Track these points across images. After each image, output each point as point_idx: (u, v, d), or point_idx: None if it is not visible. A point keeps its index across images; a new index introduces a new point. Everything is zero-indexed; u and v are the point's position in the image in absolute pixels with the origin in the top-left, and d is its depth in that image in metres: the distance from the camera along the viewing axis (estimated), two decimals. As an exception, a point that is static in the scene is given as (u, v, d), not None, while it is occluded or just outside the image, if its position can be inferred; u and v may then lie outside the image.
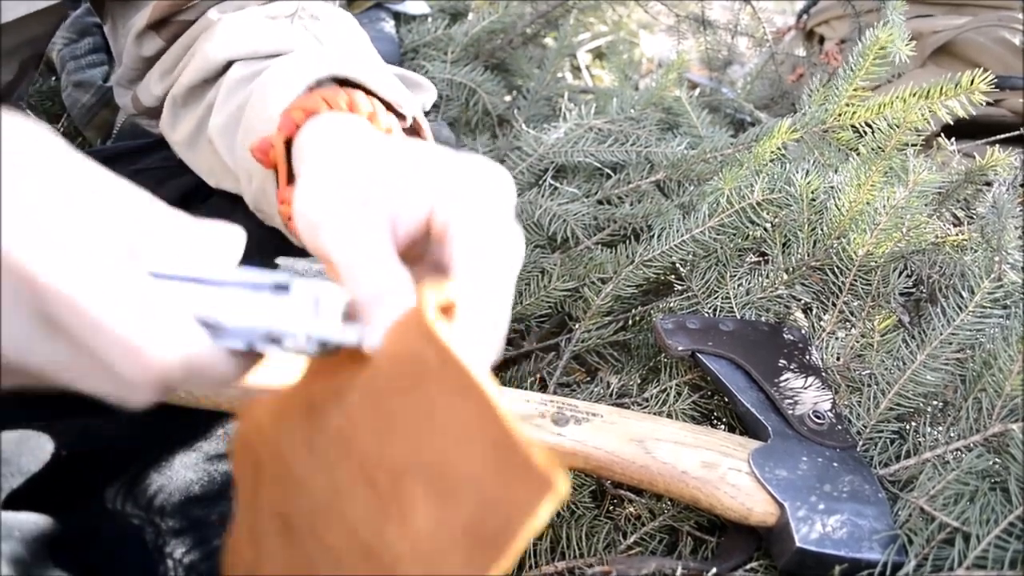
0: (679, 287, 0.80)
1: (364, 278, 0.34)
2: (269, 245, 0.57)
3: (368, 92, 0.51)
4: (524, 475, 0.26)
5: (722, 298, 0.76)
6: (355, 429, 0.31)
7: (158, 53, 0.58)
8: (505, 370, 0.80)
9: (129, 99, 0.63)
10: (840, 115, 0.80)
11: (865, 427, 0.65)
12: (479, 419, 0.28)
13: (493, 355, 0.35)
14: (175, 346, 0.28)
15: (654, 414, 0.66)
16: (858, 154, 0.78)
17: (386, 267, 0.34)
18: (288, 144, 0.48)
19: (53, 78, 1.19)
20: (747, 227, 0.76)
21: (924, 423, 0.64)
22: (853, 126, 0.79)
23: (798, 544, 0.54)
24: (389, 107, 0.51)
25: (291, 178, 0.49)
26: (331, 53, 0.53)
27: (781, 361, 0.67)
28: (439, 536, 0.28)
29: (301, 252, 0.60)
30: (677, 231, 0.77)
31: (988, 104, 0.79)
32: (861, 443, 0.64)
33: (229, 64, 0.55)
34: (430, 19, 1.30)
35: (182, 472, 0.54)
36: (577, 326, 0.78)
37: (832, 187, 0.79)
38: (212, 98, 0.56)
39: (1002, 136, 1.09)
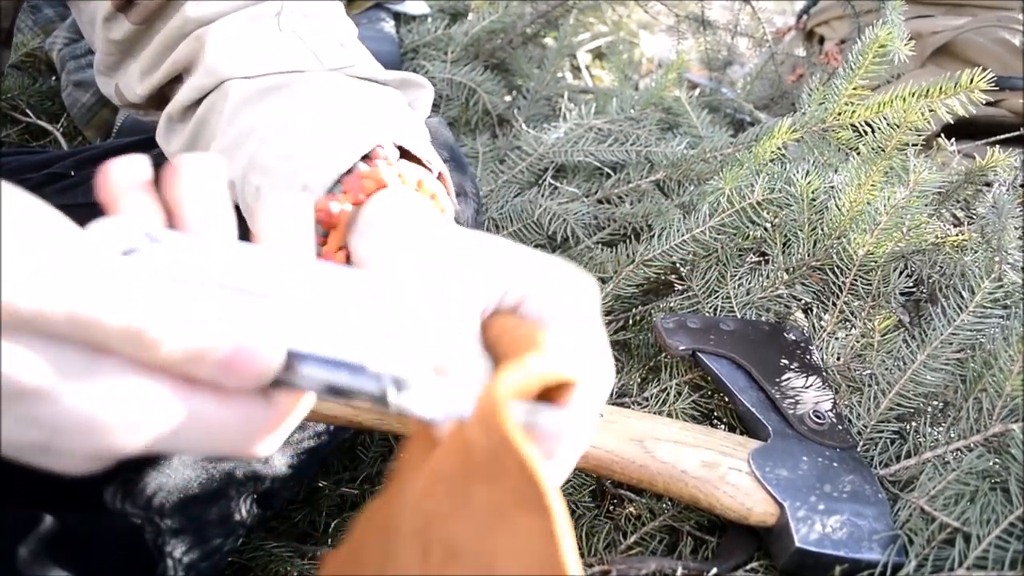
0: (679, 287, 0.80)
1: (452, 368, 0.34)
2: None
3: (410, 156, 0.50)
4: None
5: (722, 298, 0.76)
6: (434, 492, 0.31)
7: (128, 36, 0.57)
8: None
9: (112, 89, 0.62)
10: (840, 114, 0.80)
11: (865, 427, 0.65)
12: (539, 535, 0.28)
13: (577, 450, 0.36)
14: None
15: (654, 414, 0.66)
16: (858, 154, 0.78)
17: (470, 366, 0.35)
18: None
19: (53, 78, 1.19)
20: (747, 227, 0.76)
21: (924, 423, 0.64)
22: (853, 126, 0.79)
23: (798, 544, 0.54)
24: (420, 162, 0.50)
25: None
26: (366, 109, 0.52)
27: (782, 361, 0.67)
28: None
29: None
30: (677, 231, 0.77)
31: (988, 104, 0.79)
32: (861, 443, 0.64)
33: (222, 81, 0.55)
34: (430, 19, 1.30)
35: (181, 471, 0.54)
36: (577, 326, 0.77)
37: (832, 187, 0.78)
38: (202, 115, 0.54)
39: (1002, 136, 1.09)
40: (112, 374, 0.26)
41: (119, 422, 0.26)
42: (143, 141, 0.71)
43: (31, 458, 0.27)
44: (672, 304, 0.77)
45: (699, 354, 0.67)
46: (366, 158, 0.48)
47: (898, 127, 0.74)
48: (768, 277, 0.77)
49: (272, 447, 0.30)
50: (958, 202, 0.91)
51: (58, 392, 0.25)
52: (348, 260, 0.45)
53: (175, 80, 0.57)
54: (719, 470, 0.57)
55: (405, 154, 0.50)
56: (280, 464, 0.60)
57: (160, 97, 0.59)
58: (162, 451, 0.28)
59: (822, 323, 0.74)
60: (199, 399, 0.28)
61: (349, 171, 0.47)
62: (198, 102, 0.55)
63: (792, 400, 0.64)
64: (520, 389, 0.31)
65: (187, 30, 0.55)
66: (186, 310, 0.27)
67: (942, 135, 0.99)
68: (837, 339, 0.72)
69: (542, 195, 0.94)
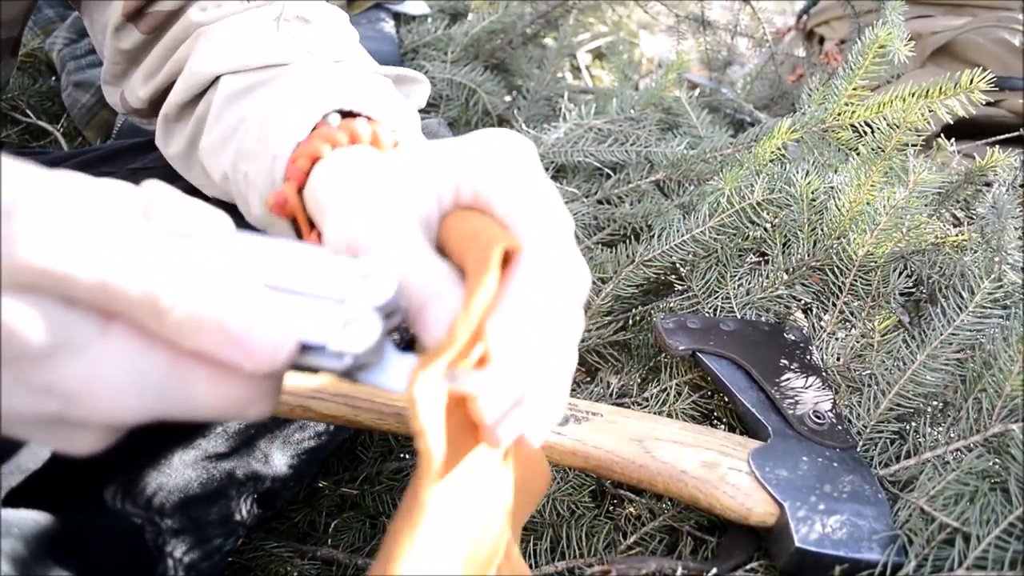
0: (679, 287, 0.80)
1: (410, 287, 0.34)
2: None
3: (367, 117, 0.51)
4: None
5: (722, 298, 0.76)
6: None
7: (137, 46, 0.58)
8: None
9: (117, 97, 0.62)
10: (840, 115, 0.80)
11: (865, 427, 0.65)
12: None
13: (575, 294, 0.35)
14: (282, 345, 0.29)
15: (654, 414, 0.66)
16: (858, 154, 0.78)
17: (425, 275, 0.34)
18: (299, 191, 0.48)
19: (53, 78, 1.19)
20: (747, 227, 0.76)
21: (924, 423, 0.64)
22: (853, 126, 0.79)
23: (797, 544, 0.54)
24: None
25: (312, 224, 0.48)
26: (328, 81, 0.52)
27: (782, 361, 0.67)
28: None
29: None
30: (677, 231, 0.77)
31: (988, 104, 0.79)
32: (861, 443, 0.64)
33: (216, 78, 0.55)
34: (430, 19, 1.30)
35: (181, 471, 0.54)
36: (577, 326, 0.77)
37: (832, 187, 0.79)
38: (202, 113, 0.55)
39: (1002, 136, 1.09)
40: (122, 341, 0.27)
41: (130, 388, 0.27)
42: (143, 143, 0.71)
43: (44, 435, 0.28)
44: (672, 304, 0.78)
45: (699, 354, 0.67)
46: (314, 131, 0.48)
47: (898, 127, 0.74)
48: (768, 277, 0.77)
49: (263, 413, 0.31)
50: (958, 202, 0.91)
51: (75, 356, 0.26)
52: (321, 239, 0.46)
53: (173, 82, 0.58)
54: (719, 470, 0.57)
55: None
56: (280, 464, 0.60)
57: (160, 103, 0.60)
58: (165, 418, 0.29)
59: (822, 323, 0.74)
60: (196, 372, 0.29)
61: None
62: (194, 101, 0.56)
63: (792, 400, 0.64)
64: (451, 356, 0.32)
65: (190, 33, 0.56)
66: (205, 284, 0.28)
67: (942, 135, 0.99)
68: (837, 339, 0.72)
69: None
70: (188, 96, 0.55)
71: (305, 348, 0.30)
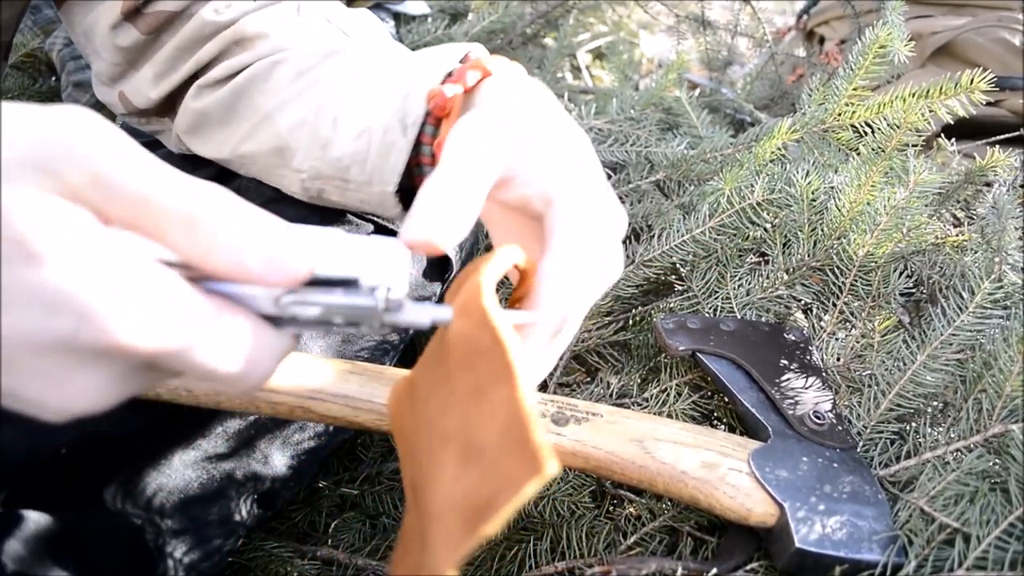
0: (679, 287, 0.80)
1: (444, 195, 0.35)
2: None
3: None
4: (521, 452, 0.28)
5: (722, 298, 0.76)
6: (429, 398, 0.34)
7: (136, 45, 0.58)
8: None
9: (115, 97, 0.62)
10: (840, 115, 0.80)
11: (865, 428, 0.65)
12: (506, 398, 0.30)
13: (611, 233, 0.39)
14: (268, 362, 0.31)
15: (654, 414, 0.66)
16: (858, 154, 0.78)
17: (465, 199, 0.36)
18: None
19: (53, 78, 1.19)
20: (747, 227, 0.76)
21: (924, 424, 0.64)
22: (853, 126, 0.79)
23: (797, 545, 0.54)
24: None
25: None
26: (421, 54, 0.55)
27: (782, 361, 0.67)
28: (448, 496, 0.30)
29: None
30: (677, 231, 0.77)
31: (988, 104, 0.79)
32: (861, 444, 0.64)
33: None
34: (430, 19, 1.30)
35: (181, 471, 0.54)
36: (577, 326, 0.77)
37: (832, 187, 0.78)
38: (243, 83, 0.56)
39: (1002, 136, 1.09)
40: (146, 265, 0.27)
41: (147, 311, 0.27)
42: (143, 143, 0.71)
43: (44, 378, 0.27)
44: (672, 304, 0.77)
45: (699, 354, 0.67)
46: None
47: (898, 128, 0.74)
48: (768, 277, 0.77)
49: (264, 378, 0.31)
50: (958, 202, 0.91)
51: (96, 263, 0.26)
52: None
53: (188, 81, 0.58)
54: (719, 471, 0.57)
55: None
56: (280, 464, 0.60)
57: (170, 102, 0.60)
58: (173, 360, 0.28)
59: (822, 323, 0.74)
60: (222, 311, 0.29)
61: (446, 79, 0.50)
62: (232, 76, 0.57)
63: (792, 400, 0.64)
64: (496, 275, 0.35)
65: (206, 32, 0.56)
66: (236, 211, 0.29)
67: (942, 135, 0.99)
68: (837, 339, 0.72)
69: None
70: (231, 72, 0.57)
71: (334, 288, 0.31)
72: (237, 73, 0.57)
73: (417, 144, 0.50)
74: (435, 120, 0.49)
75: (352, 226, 0.61)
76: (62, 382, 0.27)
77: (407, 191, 0.53)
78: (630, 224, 0.93)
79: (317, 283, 0.31)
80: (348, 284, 0.31)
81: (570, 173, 0.40)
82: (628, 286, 0.77)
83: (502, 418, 0.29)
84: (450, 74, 0.50)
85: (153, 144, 0.69)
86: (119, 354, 0.27)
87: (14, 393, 0.27)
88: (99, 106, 1.08)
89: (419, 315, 0.32)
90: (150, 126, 0.63)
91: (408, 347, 0.71)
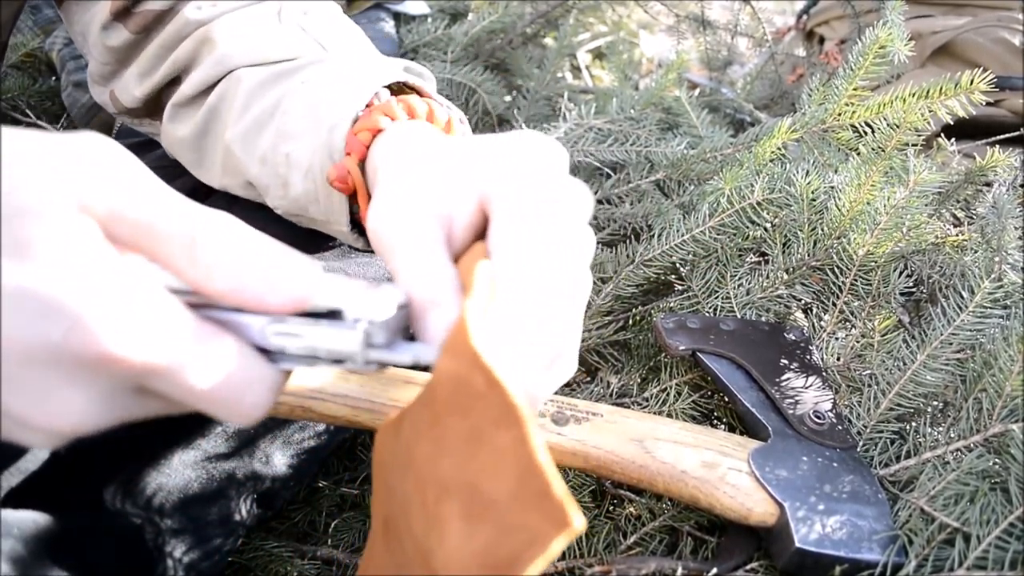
0: (679, 287, 0.80)
1: (414, 287, 0.34)
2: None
3: (418, 92, 0.52)
4: (542, 506, 0.27)
5: (722, 298, 0.76)
6: (417, 442, 0.33)
7: (126, 45, 0.58)
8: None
9: (108, 97, 0.63)
10: (840, 115, 0.80)
11: (865, 427, 0.65)
12: (513, 446, 0.28)
13: (551, 337, 0.34)
14: (264, 393, 0.31)
15: (654, 414, 0.66)
16: (858, 154, 0.78)
17: (430, 276, 0.35)
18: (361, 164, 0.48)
19: (53, 78, 1.19)
20: (747, 227, 0.76)
21: (924, 423, 0.64)
22: (853, 126, 0.79)
23: (797, 544, 0.54)
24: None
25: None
26: (372, 61, 0.54)
27: (782, 361, 0.67)
28: (462, 555, 0.29)
29: (318, 249, 0.60)
30: (677, 231, 0.77)
31: (988, 104, 0.79)
32: (861, 443, 0.64)
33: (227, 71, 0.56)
34: (430, 19, 1.30)
35: (181, 471, 0.54)
36: (577, 326, 0.77)
37: (832, 187, 0.78)
38: (214, 103, 0.55)
39: (1002, 136, 1.09)
40: (141, 281, 0.27)
41: (137, 324, 0.27)
42: (143, 143, 0.71)
43: (31, 390, 0.26)
44: (672, 304, 0.77)
45: (699, 354, 0.67)
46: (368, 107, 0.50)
47: (898, 127, 0.74)
48: (768, 277, 0.77)
49: (256, 407, 0.31)
50: (958, 202, 0.91)
51: (89, 271, 0.26)
52: None
53: (172, 83, 0.58)
54: (719, 470, 0.57)
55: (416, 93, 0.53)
56: (280, 464, 0.60)
57: (155, 102, 0.60)
58: (161, 379, 0.28)
59: (822, 323, 0.74)
60: (215, 336, 0.29)
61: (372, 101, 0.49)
62: (206, 92, 0.56)
63: (792, 400, 0.64)
64: (480, 306, 0.32)
65: (186, 32, 0.56)
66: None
67: (942, 135, 0.99)
68: (837, 339, 0.72)
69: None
70: (201, 88, 0.56)
71: (318, 321, 0.31)
72: (207, 90, 0.56)
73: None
74: (342, 191, 0.48)
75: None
76: (47, 396, 0.26)
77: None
78: (630, 224, 0.93)
79: (305, 315, 0.31)
80: (333, 316, 0.31)
81: (496, 182, 0.36)
82: (628, 286, 0.77)
83: (512, 468, 0.28)
84: (377, 97, 0.50)
85: (150, 143, 0.69)
86: (106, 367, 0.26)
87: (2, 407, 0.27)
88: (98, 106, 1.08)
89: (400, 354, 0.32)
90: (143, 127, 0.63)
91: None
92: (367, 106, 0.50)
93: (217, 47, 0.56)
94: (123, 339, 0.26)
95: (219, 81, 0.56)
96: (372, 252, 0.61)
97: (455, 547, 0.29)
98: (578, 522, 0.26)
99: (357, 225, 0.53)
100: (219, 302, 0.30)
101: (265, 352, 0.31)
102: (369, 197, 0.47)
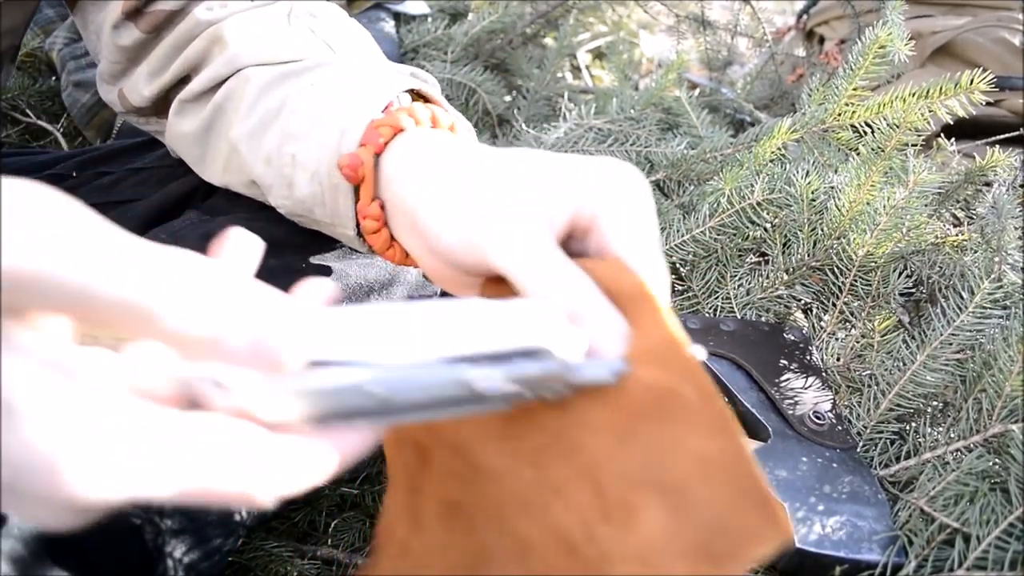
0: (679, 287, 0.80)
1: (565, 295, 0.34)
2: (286, 247, 0.57)
3: (427, 99, 0.52)
4: (760, 511, 0.30)
5: (722, 298, 0.76)
6: (590, 437, 0.33)
7: (137, 44, 0.58)
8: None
9: (116, 95, 0.63)
10: (840, 115, 0.80)
11: (865, 428, 0.65)
12: (725, 456, 0.31)
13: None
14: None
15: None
16: (858, 154, 0.78)
17: (575, 281, 0.35)
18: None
19: (53, 78, 1.19)
20: (747, 227, 0.76)
21: (924, 424, 0.64)
22: (853, 126, 0.79)
23: (797, 545, 0.54)
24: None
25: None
26: (385, 66, 0.54)
27: (782, 361, 0.67)
28: (668, 545, 0.31)
29: (320, 250, 0.60)
30: (677, 231, 0.77)
31: (988, 104, 0.79)
32: (861, 444, 0.64)
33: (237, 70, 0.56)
34: (430, 19, 1.30)
35: (182, 471, 0.54)
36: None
37: (832, 187, 0.78)
38: (220, 100, 0.56)
39: (1002, 136, 1.09)
40: (93, 393, 0.23)
41: (98, 461, 0.22)
42: (143, 143, 0.71)
43: (26, 509, 0.23)
44: (672, 304, 0.77)
45: (699, 354, 0.67)
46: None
47: (898, 127, 0.74)
48: (768, 277, 0.77)
49: (271, 501, 0.26)
50: (958, 202, 0.91)
51: (23, 412, 0.22)
52: (383, 209, 0.47)
53: (182, 81, 0.58)
54: (719, 470, 0.57)
55: (420, 99, 0.52)
56: (280, 464, 0.59)
57: (164, 100, 0.60)
58: (159, 498, 0.25)
59: (822, 323, 0.74)
60: (199, 440, 0.24)
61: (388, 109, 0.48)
62: (213, 89, 0.56)
63: (792, 401, 0.64)
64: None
65: (197, 32, 0.56)
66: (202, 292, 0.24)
67: (942, 135, 0.99)
68: (837, 339, 0.72)
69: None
70: (209, 85, 0.56)
71: (513, 359, 0.31)
72: (214, 87, 0.56)
73: None
74: (349, 181, 0.47)
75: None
76: (30, 511, 0.24)
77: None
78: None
79: (494, 358, 0.30)
80: (529, 354, 0.31)
81: (608, 199, 0.37)
82: (628, 286, 0.77)
83: (725, 475, 0.31)
84: (396, 101, 0.49)
85: (152, 143, 0.69)
86: (84, 506, 0.23)
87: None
88: (98, 105, 1.08)
89: (598, 372, 0.33)
90: (149, 126, 0.63)
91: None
92: (383, 111, 0.49)
93: (228, 46, 0.56)
94: (89, 484, 0.22)
95: (227, 79, 0.56)
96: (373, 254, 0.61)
97: (656, 537, 0.31)
98: (790, 528, 0.29)
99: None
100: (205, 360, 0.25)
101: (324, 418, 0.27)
102: (373, 194, 0.47)
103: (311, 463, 0.27)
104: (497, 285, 0.39)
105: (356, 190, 0.49)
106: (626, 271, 0.35)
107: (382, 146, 0.46)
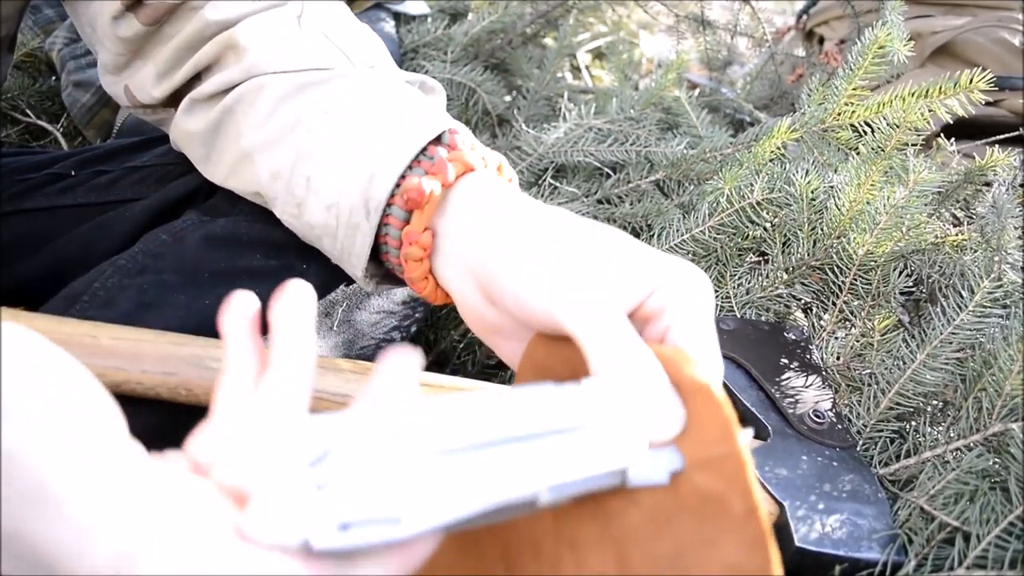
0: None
1: (634, 373, 0.35)
2: (287, 248, 0.57)
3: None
4: None
5: (722, 297, 0.76)
6: (628, 507, 0.34)
7: (137, 36, 0.58)
8: (506, 370, 0.80)
9: (121, 89, 0.62)
10: (839, 115, 0.80)
11: (865, 426, 0.65)
12: (755, 566, 0.32)
13: None
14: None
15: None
16: (858, 154, 0.78)
17: (645, 361, 0.35)
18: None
19: (53, 78, 1.19)
20: (747, 227, 0.76)
21: (924, 423, 0.64)
22: (853, 126, 0.79)
23: (797, 544, 0.54)
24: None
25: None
26: (414, 100, 0.53)
27: (782, 360, 0.67)
28: None
29: (320, 251, 0.60)
30: (677, 231, 0.77)
31: (987, 104, 0.79)
32: (861, 442, 0.64)
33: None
34: (430, 19, 1.30)
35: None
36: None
37: (832, 187, 0.79)
38: (230, 103, 0.55)
39: (1002, 136, 1.09)
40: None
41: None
42: (143, 141, 0.71)
43: None
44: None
45: (699, 354, 0.67)
46: (436, 143, 0.49)
47: (897, 127, 0.74)
48: (768, 277, 0.77)
49: None
50: (958, 202, 0.91)
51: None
52: (434, 239, 0.47)
53: (192, 80, 0.58)
54: (719, 469, 0.57)
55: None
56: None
57: (174, 97, 0.60)
58: None
59: (822, 323, 0.74)
60: None
61: (419, 159, 0.48)
62: (225, 91, 0.56)
63: (792, 399, 0.64)
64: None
65: (208, 33, 0.56)
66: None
67: (942, 135, 0.99)
68: (837, 339, 0.72)
69: (542, 195, 0.94)
70: (222, 88, 0.56)
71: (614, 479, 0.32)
72: (227, 90, 0.56)
73: (383, 220, 0.49)
74: (406, 206, 0.47)
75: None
76: None
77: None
78: (630, 224, 0.93)
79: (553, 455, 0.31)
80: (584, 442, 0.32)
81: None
82: (628, 285, 0.77)
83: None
84: (425, 151, 0.48)
85: (151, 142, 0.69)
86: None
87: None
88: (98, 105, 1.08)
89: (655, 475, 0.33)
90: (155, 116, 0.63)
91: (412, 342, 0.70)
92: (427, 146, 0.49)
93: (243, 52, 0.55)
94: None
95: (239, 84, 0.56)
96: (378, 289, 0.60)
97: None
98: None
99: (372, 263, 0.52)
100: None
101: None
102: (427, 224, 0.46)
103: None
104: (547, 342, 0.40)
105: (376, 234, 0.48)
106: (688, 361, 0.36)
107: (452, 182, 0.46)
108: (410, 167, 0.48)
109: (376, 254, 0.51)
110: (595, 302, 0.37)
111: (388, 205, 0.48)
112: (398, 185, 0.47)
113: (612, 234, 0.41)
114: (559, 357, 0.39)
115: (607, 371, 0.35)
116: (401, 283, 0.53)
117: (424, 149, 0.48)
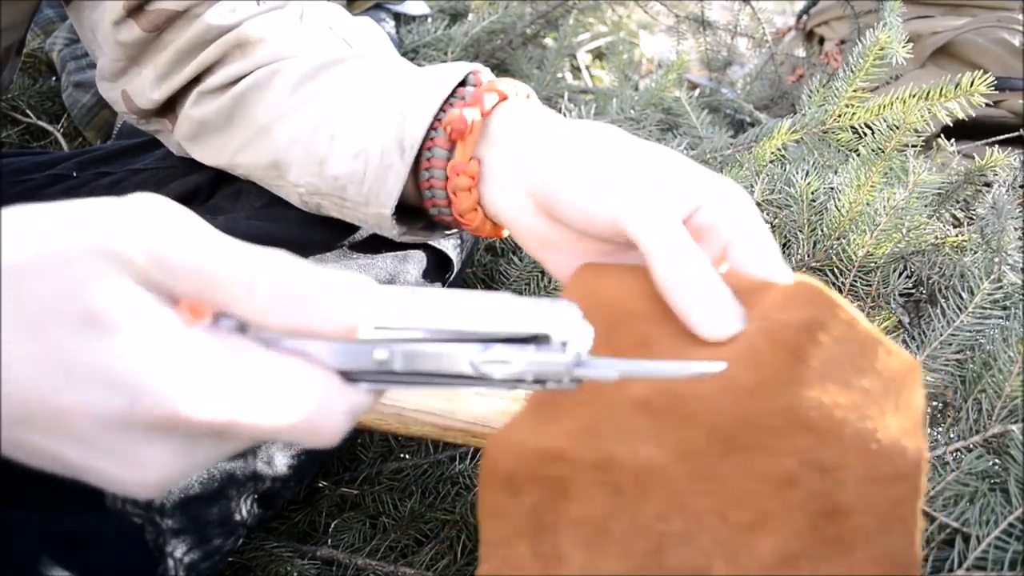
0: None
1: (691, 270, 0.37)
2: (287, 246, 0.57)
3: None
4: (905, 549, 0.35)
5: (722, 298, 0.76)
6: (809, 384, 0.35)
7: (137, 42, 0.58)
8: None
9: (118, 95, 0.62)
10: (840, 116, 0.80)
11: (865, 428, 0.65)
12: (905, 508, 0.37)
13: None
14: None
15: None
16: (858, 155, 0.78)
17: (700, 259, 0.37)
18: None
19: (53, 78, 1.19)
20: (747, 228, 0.76)
21: (924, 424, 0.64)
22: (853, 127, 0.80)
23: (798, 544, 0.54)
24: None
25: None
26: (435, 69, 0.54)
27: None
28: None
29: (320, 250, 0.60)
30: (677, 231, 0.77)
31: (987, 105, 0.79)
32: (861, 444, 0.64)
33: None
34: (430, 19, 1.30)
35: (182, 471, 0.54)
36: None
37: (832, 188, 0.79)
38: (242, 90, 0.56)
39: (1002, 137, 1.09)
40: (207, 341, 0.28)
41: (203, 382, 0.27)
42: (144, 143, 0.71)
43: (118, 451, 0.27)
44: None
45: (699, 355, 0.67)
46: (462, 86, 0.50)
47: (897, 128, 0.74)
48: (768, 278, 0.77)
49: (335, 438, 0.31)
50: (958, 203, 0.91)
51: (151, 347, 0.27)
52: (480, 167, 0.47)
53: (192, 82, 0.58)
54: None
55: None
56: (281, 464, 0.60)
57: (171, 103, 0.60)
58: (238, 429, 0.28)
59: (822, 324, 0.74)
60: (285, 374, 0.29)
61: (450, 100, 0.49)
62: (235, 82, 0.57)
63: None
64: None
65: (209, 37, 0.57)
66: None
67: (942, 136, 0.99)
68: (837, 340, 0.72)
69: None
70: (233, 79, 0.57)
71: (525, 344, 0.31)
72: (237, 80, 0.57)
73: (417, 165, 0.50)
74: (447, 142, 0.48)
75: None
76: (130, 457, 0.28)
77: (404, 211, 0.52)
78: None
79: (506, 340, 0.31)
80: (539, 340, 0.32)
81: (730, 205, 0.40)
82: (628, 286, 0.77)
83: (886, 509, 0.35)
84: (453, 95, 0.49)
85: (152, 144, 0.69)
86: (177, 427, 0.28)
87: (96, 471, 0.28)
88: (99, 105, 1.08)
89: (605, 371, 0.33)
90: (150, 126, 0.63)
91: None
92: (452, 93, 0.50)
93: (255, 46, 0.56)
94: (188, 400, 0.27)
95: (251, 72, 0.57)
96: (399, 245, 0.62)
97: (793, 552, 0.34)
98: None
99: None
100: (287, 335, 0.30)
101: (347, 375, 0.31)
102: (472, 154, 0.47)
103: (359, 408, 0.31)
104: (590, 271, 0.41)
105: (414, 169, 0.49)
106: (753, 279, 0.38)
107: (490, 110, 0.47)
108: (442, 109, 0.49)
109: (405, 213, 0.52)
110: (655, 208, 0.39)
111: (426, 149, 0.49)
112: (433, 128, 0.49)
113: (657, 147, 0.43)
114: (605, 284, 0.40)
115: (667, 271, 0.37)
116: (428, 234, 0.54)
117: (453, 92, 0.50)
